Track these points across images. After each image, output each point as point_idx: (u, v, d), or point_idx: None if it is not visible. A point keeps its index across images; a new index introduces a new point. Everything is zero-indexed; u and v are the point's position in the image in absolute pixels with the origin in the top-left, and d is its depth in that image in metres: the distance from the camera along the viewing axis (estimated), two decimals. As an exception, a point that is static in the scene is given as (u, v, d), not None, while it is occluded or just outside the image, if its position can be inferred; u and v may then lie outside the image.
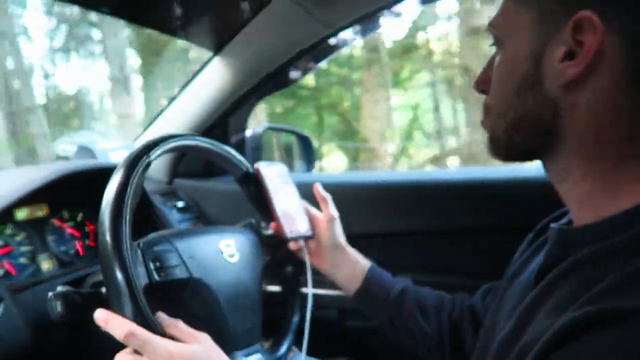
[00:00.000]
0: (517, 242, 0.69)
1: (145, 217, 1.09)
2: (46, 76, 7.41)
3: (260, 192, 0.79)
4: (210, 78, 1.16)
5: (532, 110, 0.49)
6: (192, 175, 1.30)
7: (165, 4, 1.01)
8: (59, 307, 0.58)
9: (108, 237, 0.56)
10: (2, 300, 0.76)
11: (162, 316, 0.59)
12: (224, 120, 1.23)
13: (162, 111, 1.25)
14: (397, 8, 1.01)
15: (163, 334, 0.57)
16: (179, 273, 0.64)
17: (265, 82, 1.15)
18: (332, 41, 1.08)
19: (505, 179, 1.04)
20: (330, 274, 0.84)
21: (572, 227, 0.50)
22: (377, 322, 0.83)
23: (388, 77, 7.01)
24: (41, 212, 0.97)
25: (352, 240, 0.85)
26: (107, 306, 0.60)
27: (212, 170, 1.31)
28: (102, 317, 0.55)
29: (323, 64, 6.21)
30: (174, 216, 1.15)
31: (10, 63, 6.67)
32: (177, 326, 0.58)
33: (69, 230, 1.02)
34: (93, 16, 6.63)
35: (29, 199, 0.88)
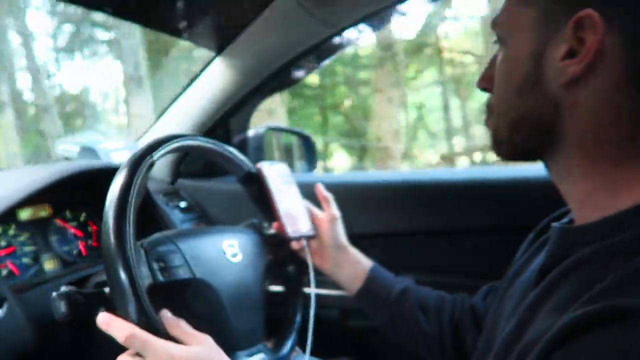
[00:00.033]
0: (517, 242, 0.69)
1: (148, 217, 1.09)
2: (48, 76, 7.43)
3: (262, 192, 0.80)
4: (212, 78, 1.16)
5: (533, 109, 0.49)
6: (194, 175, 1.30)
7: (168, 4, 1.01)
8: (62, 307, 0.59)
9: (112, 238, 0.57)
10: (5, 300, 0.76)
11: (165, 314, 0.59)
12: (226, 121, 1.23)
13: (164, 111, 1.26)
14: (400, 8, 1.01)
15: (166, 334, 0.57)
16: (182, 273, 0.64)
17: (267, 82, 1.15)
18: (336, 40, 1.08)
19: (507, 179, 1.04)
20: (332, 273, 0.84)
21: (573, 226, 0.50)
22: (378, 322, 0.83)
23: (401, 76, 6.95)
24: (44, 212, 0.97)
25: (354, 240, 0.85)
26: (110, 306, 0.60)
27: (214, 170, 1.31)
28: (104, 320, 0.56)
29: (328, 63, 6.22)
30: (176, 216, 1.15)
31: (23, 61, 6.69)
32: (180, 326, 0.58)
33: (71, 231, 1.02)
34: (98, 16, 6.63)
35: (32, 199, 0.88)
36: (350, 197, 0.88)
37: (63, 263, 0.97)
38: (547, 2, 0.47)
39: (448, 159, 7.16)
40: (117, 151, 1.23)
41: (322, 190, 0.85)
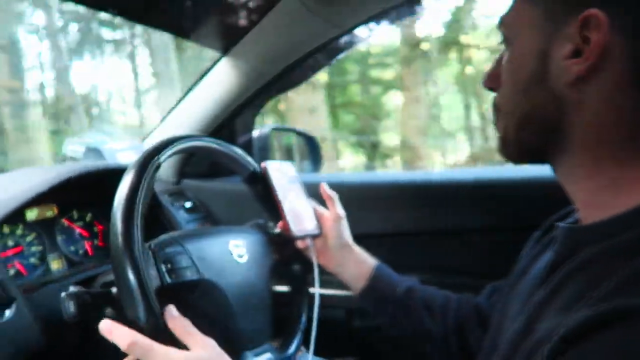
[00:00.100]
0: (520, 242, 0.69)
1: (153, 218, 1.10)
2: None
3: (267, 191, 0.80)
4: (218, 79, 1.16)
5: (538, 107, 0.49)
6: (199, 176, 1.30)
7: (173, 5, 1.01)
8: (71, 307, 0.59)
9: (120, 240, 0.57)
10: (14, 300, 0.77)
11: (170, 312, 0.58)
12: (231, 121, 1.23)
13: (170, 112, 1.26)
14: (407, 7, 1.01)
15: (173, 337, 0.57)
16: (190, 275, 0.65)
17: (272, 82, 1.15)
18: (343, 40, 1.08)
19: (510, 179, 1.03)
20: (337, 272, 0.84)
21: (579, 226, 0.50)
22: (382, 321, 0.84)
23: (429, 74, 6.84)
24: (51, 212, 0.98)
25: (358, 240, 0.86)
26: (117, 306, 0.60)
27: (219, 170, 1.31)
28: (106, 326, 0.56)
29: (339, 61, 6.19)
30: (182, 216, 1.15)
31: (49, 60, 6.71)
32: (184, 329, 0.58)
33: (78, 231, 1.03)
34: (106, 16, 6.67)
35: (38, 199, 0.89)
36: (354, 197, 0.88)
37: (69, 263, 0.98)
38: (553, 2, 0.47)
39: (475, 158, 7.09)
40: (123, 151, 1.23)
41: (326, 190, 0.85)
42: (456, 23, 6.91)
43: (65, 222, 1.01)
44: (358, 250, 0.84)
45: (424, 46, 6.75)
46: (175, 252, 0.65)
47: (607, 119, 0.45)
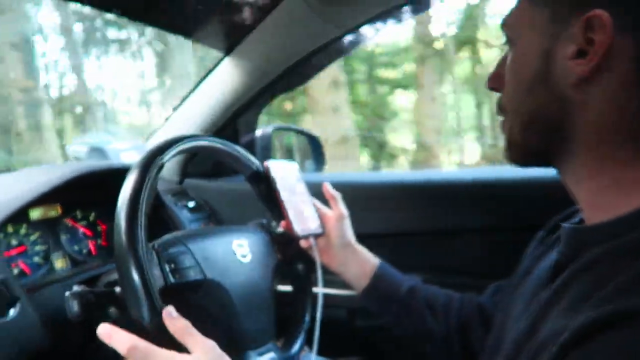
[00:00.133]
0: (523, 242, 0.69)
1: (157, 218, 1.10)
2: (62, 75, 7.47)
3: (270, 190, 0.80)
4: (221, 79, 1.16)
5: (542, 109, 0.49)
6: (202, 175, 1.30)
7: (176, 5, 1.01)
8: (75, 306, 0.59)
9: (124, 239, 0.57)
10: (18, 299, 0.77)
11: (170, 313, 0.57)
12: (234, 121, 1.24)
13: (173, 112, 1.26)
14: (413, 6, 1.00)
15: (175, 338, 0.57)
16: (194, 274, 0.65)
17: (275, 82, 1.15)
18: (348, 38, 1.08)
19: (511, 179, 1.03)
20: (340, 272, 0.84)
21: (583, 226, 0.50)
22: (385, 320, 0.84)
23: (444, 73, 6.74)
24: (54, 211, 0.98)
25: (359, 240, 0.86)
26: (121, 305, 0.61)
27: (222, 169, 1.31)
28: (105, 331, 0.55)
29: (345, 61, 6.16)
30: (185, 216, 1.15)
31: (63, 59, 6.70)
32: (184, 330, 0.56)
33: (81, 230, 1.03)
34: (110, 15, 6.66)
35: (42, 199, 0.89)
36: (355, 197, 0.88)
37: (73, 262, 0.98)
38: (557, 3, 0.47)
39: (487, 158, 7.03)
40: (127, 151, 1.24)
41: (329, 189, 0.85)
42: (470, 21, 6.85)
43: (68, 221, 1.01)
44: (361, 249, 0.84)
45: (439, 44, 6.65)
46: (178, 251, 0.65)
47: (611, 120, 0.45)
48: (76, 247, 1.00)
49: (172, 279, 0.62)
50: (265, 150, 1.31)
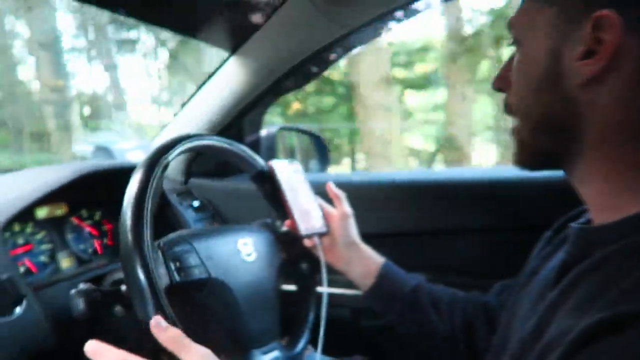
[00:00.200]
0: (523, 242, 0.69)
1: (162, 217, 1.10)
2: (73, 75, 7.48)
3: (274, 189, 0.80)
4: (226, 78, 1.16)
5: (550, 109, 0.49)
6: (206, 175, 1.31)
7: (181, 4, 1.01)
8: (81, 304, 0.60)
9: (130, 237, 0.57)
10: (24, 297, 0.77)
11: (160, 323, 0.55)
12: (239, 120, 1.24)
13: (179, 111, 1.27)
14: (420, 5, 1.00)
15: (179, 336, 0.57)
16: (198, 273, 0.65)
17: (280, 81, 1.15)
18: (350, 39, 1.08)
19: (511, 179, 1.03)
20: (344, 270, 0.84)
21: (591, 226, 0.50)
22: (390, 319, 0.83)
23: (475, 71, 6.54)
24: (60, 210, 0.99)
25: (364, 239, 0.86)
26: (127, 304, 0.61)
27: (227, 169, 1.32)
28: (93, 349, 0.53)
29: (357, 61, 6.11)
30: (190, 215, 1.16)
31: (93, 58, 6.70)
32: (176, 339, 0.54)
33: (87, 229, 1.03)
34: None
35: (48, 198, 0.90)
36: (355, 197, 0.88)
37: (79, 261, 0.98)
38: (565, 2, 0.47)
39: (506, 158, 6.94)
40: (132, 151, 1.24)
41: (333, 188, 0.85)
42: (501, 19, 6.76)
43: (74, 220, 1.02)
44: (365, 248, 0.84)
45: (470, 42, 6.52)
46: (183, 250, 0.65)
47: (621, 120, 0.45)
48: (82, 246, 1.01)
49: (177, 278, 0.62)
50: (269, 150, 1.31)
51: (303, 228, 0.78)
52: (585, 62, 0.45)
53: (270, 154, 1.31)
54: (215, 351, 0.57)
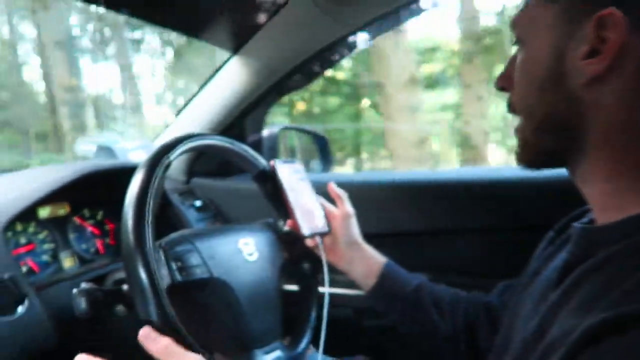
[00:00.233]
0: (523, 242, 0.68)
1: (164, 216, 1.10)
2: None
3: (276, 189, 0.80)
4: (229, 78, 1.17)
5: (554, 109, 0.49)
6: (208, 174, 1.31)
7: (184, 5, 1.01)
8: (83, 303, 0.59)
9: (131, 237, 0.57)
10: (26, 296, 0.78)
11: (149, 335, 0.55)
12: (241, 120, 1.24)
13: (181, 111, 1.27)
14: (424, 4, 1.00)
15: (185, 335, 0.57)
16: (200, 273, 0.65)
17: (283, 81, 1.15)
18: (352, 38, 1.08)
19: (511, 179, 1.03)
20: (346, 270, 0.84)
21: (594, 226, 0.50)
22: (392, 319, 0.83)
23: (492, 71, 6.44)
24: (63, 210, 0.99)
25: (364, 239, 0.86)
26: (129, 303, 0.61)
27: (229, 169, 1.32)
28: None
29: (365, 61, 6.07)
30: (192, 215, 1.16)
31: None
32: (167, 350, 0.54)
33: (89, 229, 1.04)
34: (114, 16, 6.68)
35: (51, 197, 0.90)
36: (355, 197, 0.88)
37: (81, 261, 0.98)
38: (568, 1, 0.46)
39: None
40: (135, 150, 1.24)
41: (334, 188, 0.85)
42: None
43: (77, 220, 1.02)
44: (367, 248, 0.84)
45: (486, 41, 6.44)
46: (185, 250, 0.65)
47: (622, 119, 0.45)
48: (84, 246, 1.01)
49: (178, 278, 0.62)
50: (272, 150, 1.31)
51: (305, 228, 0.78)
52: (589, 62, 0.45)
53: (273, 153, 1.31)
54: (217, 351, 0.57)
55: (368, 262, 0.83)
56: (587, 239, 0.48)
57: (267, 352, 0.69)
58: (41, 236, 0.94)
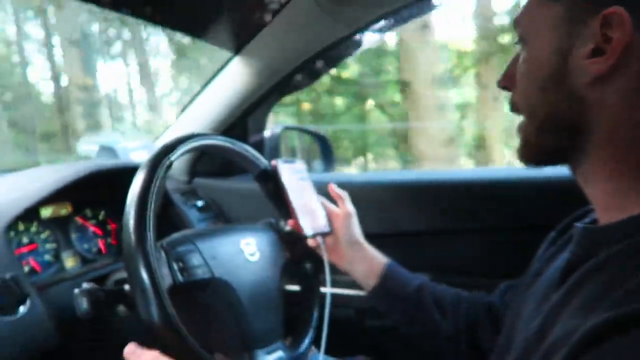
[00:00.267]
0: (526, 242, 0.68)
1: (166, 217, 1.10)
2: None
3: (278, 189, 0.80)
4: (230, 78, 1.17)
5: (557, 108, 0.48)
6: (211, 174, 1.31)
7: (185, 5, 1.01)
8: (84, 303, 0.60)
9: (132, 238, 0.57)
10: (28, 296, 0.78)
11: (133, 351, 0.56)
12: (243, 120, 1.24)
13: (183, 111, 1.27)
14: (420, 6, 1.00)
15: (186, 335, 0.57)
16: (202, 273, 0.65)
17: (285, 81, 1.15)
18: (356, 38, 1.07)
19: (511, 179, 1.03)
20: (347, 270, 0.84)
21: (596, 226, 0.50)
22: (393, 318, 0.83)
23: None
24: (65, 210, 0.99)
25: (366, 240, 0.85)
26: (130, 303, 0.61)
27: (231, 169, 1.32)
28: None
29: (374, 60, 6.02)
30: (193, 215, 1.16)
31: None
32: None
33: (91, 229, 1.04)
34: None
35: (53, 197, 0.90)
36: (355, 197, 0.88)
37: (83, 260, 0.99)
38: (572, 0, 0.46)
39: None
40: (136, 150, 1.24)
41: (335, 189, 0.85)
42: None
43: (79, 220, 1.02)
44: (369, 247, 0.84)
45: (503, 39, 6.40)
46: (187, 250, 0.65)
47: (626, 119, 0.45)
48: (86, 246, 1.01)
49: (180, 278, 0.62)
50: (274, 150, 1.31)
51: (306, 227, 0.78)
52: (593, 61, 0.44)
53: (275, 154, 1.31)
54: (219, 351, 0.57)
55: (370, 262, 0.83)
56: (589, 239, 0.48)
57: (269, 353, 0.69)
58: (43, 236, 0.94)
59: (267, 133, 1.33)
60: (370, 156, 7.23)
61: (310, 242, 0.82)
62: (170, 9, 1.04)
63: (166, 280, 0.60)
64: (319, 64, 1.16)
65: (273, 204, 0.83)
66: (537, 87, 0.49)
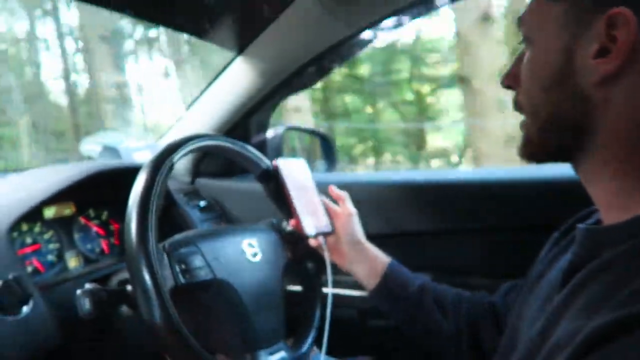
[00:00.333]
0: (526, 242, 0.68)
1: (168, 217, 1.11)
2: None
3: (279, 189, 0.80)
4: (233, 78, 1.17)
5: (562, 108, 0.48)
6: (213, 174, 1.31)
7: (188, 5, 1.02)
8: (87, 304, 0.60)
9: (135, 239, 0.57)
10: (31, 296, 0.78)
11: None
12: (246, 120, 1.24)
13: (185, 112, 1.27)
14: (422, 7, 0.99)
15: (188, 336, 0.57)
16: (204, 275, 0.65)
17: (287, 82, 1.15)
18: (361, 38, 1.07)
19: (511, 179, 1.02)
20: (349, 270, 0.84)
21: (599, 227, 0.49)
22: (395, 318, 0.83)
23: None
24: (68, 210, 0.99)
25: (367, 240, 0.85)
26: (132, 304, 0.61)
27: (233, 169, 1.32)
28: None
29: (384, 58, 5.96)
30: (196, 215, 1.16)
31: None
32: None
33: (94, 229, 1.04)
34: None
35: (56, 197, 0.90)
36: (360, 197, 0.88)
37: (86, 261, 0.99)
38: (578, 0, 0.46)
39: None
40: (139, 151, 1.25)
41: (335, 190, 0.85)
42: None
43: (82, 220, 1.02)
44: (371, 247, 0.84)
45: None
46: (189, 252, 0.65)
47: (630, 119, 0.44)
48: (89, 246, 1.01)
49: (182, 280, 0.62)
50: (276, 150, 1.31)
51: (308, 227, 0.78)
52: (599, 61, 0.44)
53: (277, 154, 1.31)
54: (221, 352, 0.57)
55: (371, 261, 0.83)
56: (592, 240, 0.48)
57: (271, 353, 0.69)
58: (47, 236, 0.94)
59: (269, 133, 1.33)
60: (387, 156, 7.18)
61: (312, 242, 0.82)
62: (173, 9, 1.04)
63: (168, 282, 0.60)
64: (323, 63, 1.15)
65: (275, 204, 0.83)
66: (540, 86, 0.49)
